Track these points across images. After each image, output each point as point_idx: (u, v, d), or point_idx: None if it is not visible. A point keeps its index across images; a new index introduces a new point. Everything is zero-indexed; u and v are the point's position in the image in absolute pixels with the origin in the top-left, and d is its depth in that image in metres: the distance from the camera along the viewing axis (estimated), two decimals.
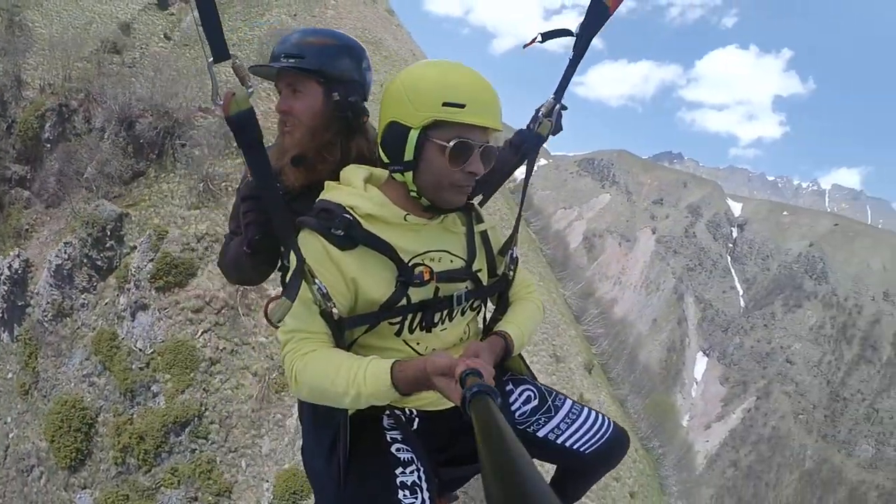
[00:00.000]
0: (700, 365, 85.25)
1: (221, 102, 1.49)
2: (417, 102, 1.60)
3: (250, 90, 1.52)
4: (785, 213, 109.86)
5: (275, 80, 1.99)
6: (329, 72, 1.92)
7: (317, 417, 1.83)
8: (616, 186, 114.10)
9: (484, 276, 1.91)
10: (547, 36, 2.08)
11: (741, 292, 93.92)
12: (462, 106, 1.58)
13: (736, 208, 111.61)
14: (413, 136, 1.61)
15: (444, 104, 1.57)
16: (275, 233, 1.72)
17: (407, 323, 1.73)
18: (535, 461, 1.64)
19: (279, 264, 1.98)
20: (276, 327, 1.72)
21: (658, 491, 23.00)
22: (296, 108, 1.95)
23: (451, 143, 1.59)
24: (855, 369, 76.73)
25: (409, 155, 1.64)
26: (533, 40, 2.11)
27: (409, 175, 1.67)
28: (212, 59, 1.44)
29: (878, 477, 66.94)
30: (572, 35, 2.03)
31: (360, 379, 1.52)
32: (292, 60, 1.91)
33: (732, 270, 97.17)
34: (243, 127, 1.52)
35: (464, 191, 1.69)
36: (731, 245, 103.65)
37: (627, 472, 20.09)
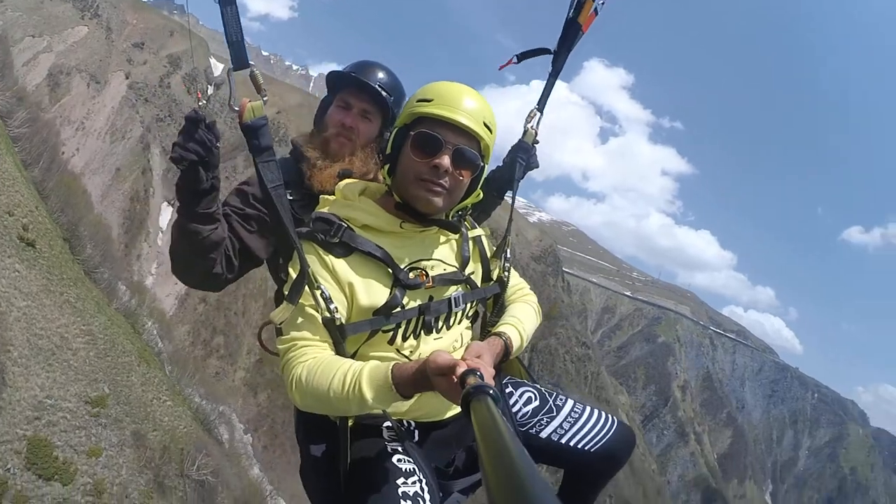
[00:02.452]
0: (165, 214, 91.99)
1: (238, 108, 1.75)
2: (406, 105, 1.90)
3: (265, 99, 1.79)
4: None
5: (341, 91, 2.39)
6: (393, 116, 2.37)
7: (310, 432, 2.00)
8: (98, 20, 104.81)
9: (478, 279, 2.11)
10: (523, 56, 2.52)
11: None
12: (430, 100, 1.81)
13: (217, 68, 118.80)
14: (394, 132, 1.88)
15: (418, 100, 1.84)
16: (277, 236, 1.99)
17: (401, 331, 1.87)
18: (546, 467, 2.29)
19: (231, 274, 2.19)
20: (269, 352, 2.01)
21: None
22: (361, 129, 2.33)
23: (415, 132, 1.82)
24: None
25: (388, 149, 1.89)
26: (509, 61, 2.53)
27: (386, 168, 1.90)
28: (232, 66, 1.73)
29: None
30: (550, 53, 2.44)
31: (359, 382, 1.60)
32: (385, 94, 2.33)
33: None
34: (257, 133, 1.78)
35: (429, 187, 1.82)
36: (204, 102, 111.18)
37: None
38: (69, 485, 18.63)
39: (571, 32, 2.40)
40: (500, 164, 2.62)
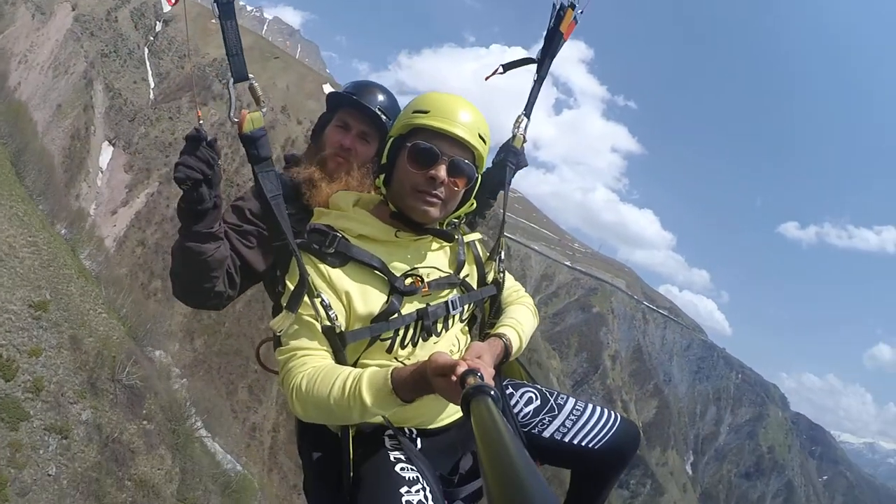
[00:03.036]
0: (105, 154, 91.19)
1: (237, 120, 1.81)
2: (401, 116, 1.96)
3: (264, 110, 1.86)
4: (213, 20, 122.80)
5: (340, 111, 2.48)
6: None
7: (312, 443, 2.02)
8: None
9: (474, 283, 2.16)
10: (509, 66, 2.64)
11: (152, 85, 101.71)
12: (426, 112, 1.87)
13: (166, 4, 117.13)
14: (389, 143, 1.95)
15: (413, 111, 1.90)
16: (275, 248, 1.94)
17: (398, 339, 1.90)
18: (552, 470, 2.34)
19: (230, 292, 2.21)
20: (268, 369, 2.10)
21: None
22: (359, 151, 2.40)
23: (411, 144, 1.87)
24: (243, 167, 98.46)
25: (384, 159, 1.96)
26: (494, 72, 2.66)
27: (382, 178, 1.97)
28: (233, 78, 1.79)
29: None
30: (535, 62, 2.57)
31: (359, 387, 1.63)
32: (385, 118, 2.40)
33: (148, 63, 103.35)
34: (256, 144, 1.84)
35: (425, 198, 1.88)
36: (151, 38, 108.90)
37: None
38: (11, 381, 20.95)
39: (554, 41, 2.55)
40: (489, 165, 2.69)
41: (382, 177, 1.97)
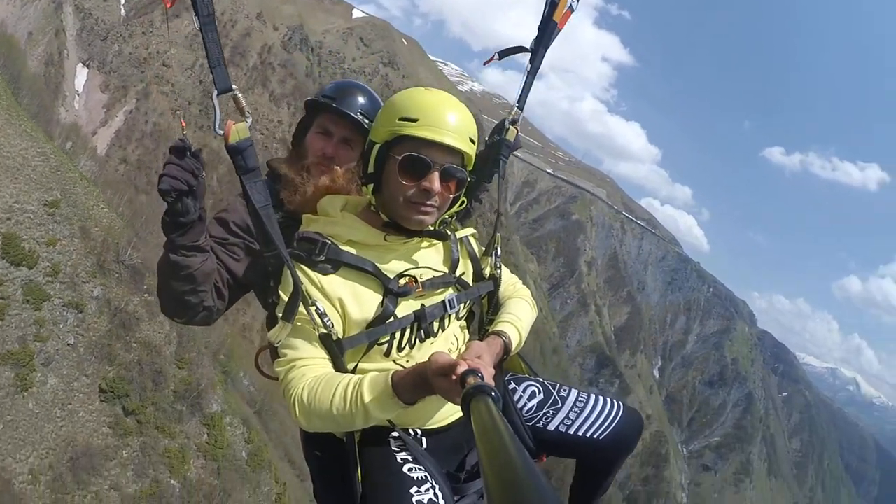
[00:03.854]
0: (81, 76, 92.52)
1: (223, 132, 1.79)
2: (384, 119, 1.88)
3: (249, 120, 1.85)
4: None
5: (320, 116, 2.44)
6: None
7: (318, 450, 2.06)
8: None
9: (469, 279, 2.15)
10: (504, 53, 2.60)
11: (122, 1, 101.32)
12: (415, 120, 1.80)
13: None
14: (375, 150, 1.88)
15: (400, 118, 1.81)
16: (266, 258, 1.93)
17: (395, 342, 1.91)
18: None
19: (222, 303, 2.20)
20: (267, 376, 2.07)
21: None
22: (342, 157, 2.36)
23: (401, 156, 1.81)
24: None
25: (371, 167, 1.89)
26: (491, 58, 2.64)
27: (370, 188, 1.92)
28: (216, 91, 1.77)
29: None
30: (528, 51, 2.50)
31: (361, 393, 1.65)
32: (367, 121, 2.33)
33: None
34: (243, 154, 1.83)
35: (419, 209, 1.87)
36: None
37: None
38: (34, 268, 26.37)
39: (548, 31, 2.50)
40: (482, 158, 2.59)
41: (371, 186, 1.94)
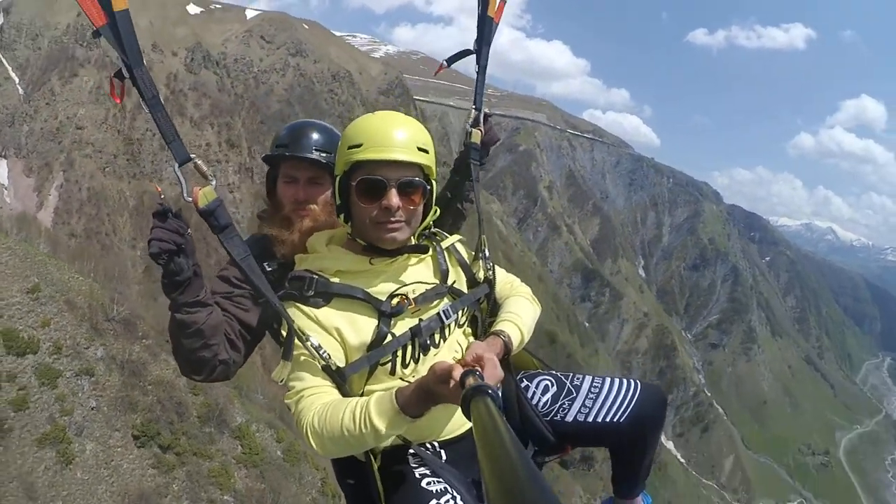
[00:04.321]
0: (1, 169, 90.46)
1: (191, 198, 1.88)
2: (340, 152, 1.98)
3: (213, 183, 1.94)
4: None
5: (282, 165, 2.51)
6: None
7: (344, 474, 2.14)
8: None
9: (463, 287, 2.19)
10: (452, 60, 2.74)
11: (17, 80, 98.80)
12: (360, 145, 1.89)
13: None
14: (338, 182, 1.99)
15: (349, 147, 1.92)
16: (262, 302, 2.04)
17: (399, 360, 1.98)
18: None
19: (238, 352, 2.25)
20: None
21: None
22: (314, 195, 2.43)
23: (356, 182, 1.92)
24: (139, 113, 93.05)
25: (338, 199, 2.01)
26: (440, 67, 2.80)
27: (342, 217, 2.03)
28: (177, 163, 1.88)
29: None
30: (472, 52, 2.64)
31: (368, 414, 1.70)
32: (325, 155, 2.42)
33: (3, 59, 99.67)
34: (215, 215, 1.91)
35: (386, 227, 1.94)
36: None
37: None
38: (38, 352, 28.11)
39: (486, 27, 2.62)
40: (454, 167, 2.78)
41: (342, 216, 2.03)
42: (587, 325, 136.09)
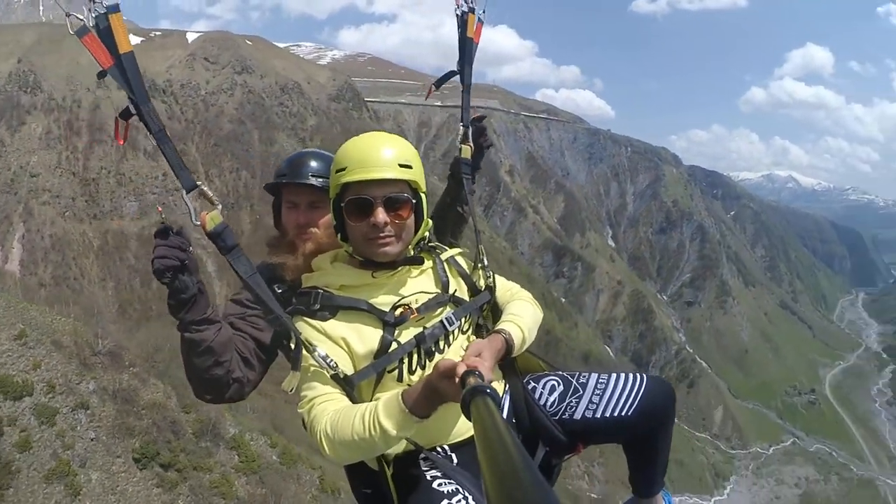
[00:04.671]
0: None
1: (199, 222, 1.99)
2: (332, 176, 2.11)
3: (219, 207, 2.03)
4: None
5: (284, 192, 2.64)
6: None
7: (358, 481, 2.22)
8: None
9: (464, 296, 2.29)
10: (439, 83, 2.94)
11: None
12: (344, 168, 2.03)
13: None
14: (332, 205, 2.12)
15: (336, 171, 2.06)
16: (270, 318, 2.10)
17: (405, 366, 2.07)
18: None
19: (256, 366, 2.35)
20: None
21: None
22: (315, 219, 2.52)
23: (345, 203, 2.05)
24: (91, 153, 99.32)
25: (336, 221, 2.14)
26: (430, 91, 3.03)
27: (340, 237, 2.16)
28: (185, 190, 1.97)
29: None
30: (457, 73, 2.83)
31: (377, 417, 1.76)
32: (322, 180, 2.50)
33: None
34: (222, 237, 2.02)
35: (377, 243, 2.06)
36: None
37: None
38: (34, 394, 29.68)
39: (467, 47, 2.80)
40: (451, 173, 2.87)
41: (340, 235, 2.16)
42: (563, 300, 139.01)
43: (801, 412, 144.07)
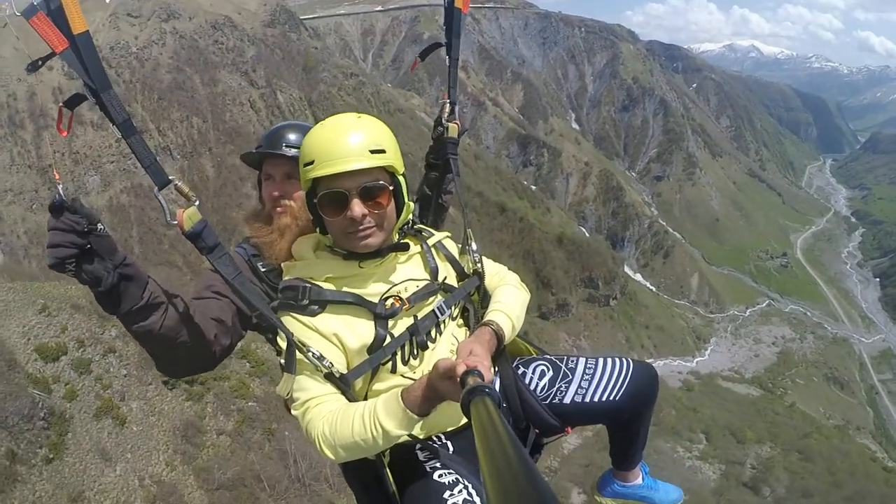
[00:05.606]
0: None
1: (175, 221, 1.83)
2: (301, 169, 2.01)
3: (196, 203, 1.89)
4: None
5: (264, 166, 2.61)
6: None
7: (354, 475, 2.21)
8: None
9: (453, 282, 2.30)
10: (424, 54, 2.86)
11: None
12: (311, 163, 1.94)
13: None
14: (307, 199, 2.05)
15: (304, 166, 1.97)
16: (256, 317, 2.07)
17: (399, 357, 2.07)
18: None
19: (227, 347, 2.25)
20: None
21: None
22: (290, 191, 2.49)
23: (317, 199, 1.99)
24: (41, 140, 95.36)
25: (312, 216, 2.08)
26: (415, 63, 2.97)
27: (319, 230, 2.11)
28: (157, 187, 1.81)
29: None
30: (442, 45, 2.72)
31: (377, 418, 1.77)
32: (295, 150, 2.46)
33: None
34: (201, 236, 1.90)
35: (357, 236, 2.01)
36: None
37: None
38: (66, 353, 29.53)
39: (455, 18, 2.68)
40: (427, 163, 2.84)
41: (318, 229, 2.11)
42: (534, 188, 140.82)
43: (774, 275, 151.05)
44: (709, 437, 56.73)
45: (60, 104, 1.81)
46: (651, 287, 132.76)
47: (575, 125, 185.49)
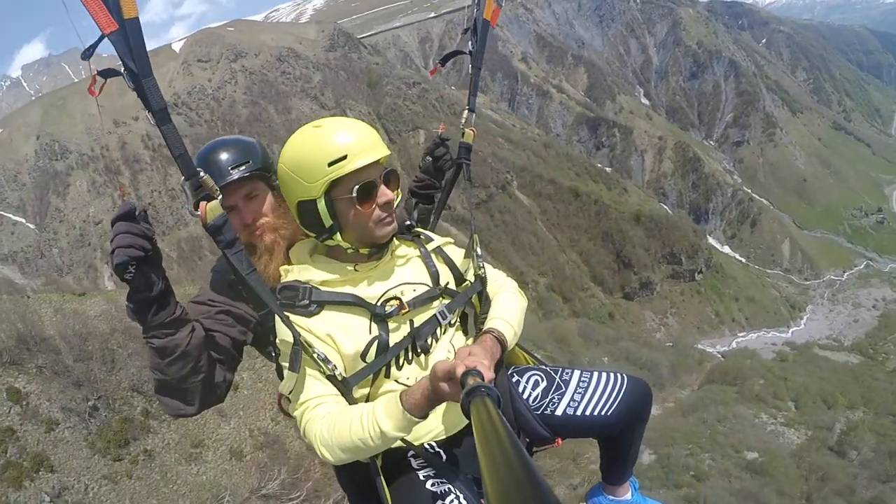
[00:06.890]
0: None
1: (199, 213, 1.91)
2: (307, 176, 1.98)
3: (219, 197, 1.94)
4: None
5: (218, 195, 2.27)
6: (267, 164, 2.43)
7: (347, 480, 2.25)
8: None
9: (454, 287, 2.31)
10: (445, 59, 2.92)
11: None
12: (344, 157, 1.94)
13: None
14: (321, 205, 2.01)
15: (330, 164, 1.94)
16: (261, 314, 2.11)
17: (399, 361, 2.11)
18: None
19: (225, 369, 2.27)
20: (291, 416, 2.10)
21: None
22: (257, 210, 2.40)
23: (354, 192, 1.98)
24: (138, 183, 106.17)
25: (328, 221, 2.05)
26: (435, 68, 3.06)
27: (338, 236, 2.09)
28: (184, 177, 1.89)
29: None
30: (467, 53, 2.77)
31: (376, 420, 1.80)
32: (243, 167, 2.35)
33: None
34: (221, 230, 1.93)
35: (388, 221, 2.07)
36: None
37: None
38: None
39: (483, 30, 2.77)
40: (427, 171, 2.92)
41: (338, 235, 2.09)
42: (609, 169, 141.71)
43: (870, 233, 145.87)
44: (798, 404, 56.35)
45: (95, 71, 1.81)
46: (741, 258, 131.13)
47: (644, 100, 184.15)
